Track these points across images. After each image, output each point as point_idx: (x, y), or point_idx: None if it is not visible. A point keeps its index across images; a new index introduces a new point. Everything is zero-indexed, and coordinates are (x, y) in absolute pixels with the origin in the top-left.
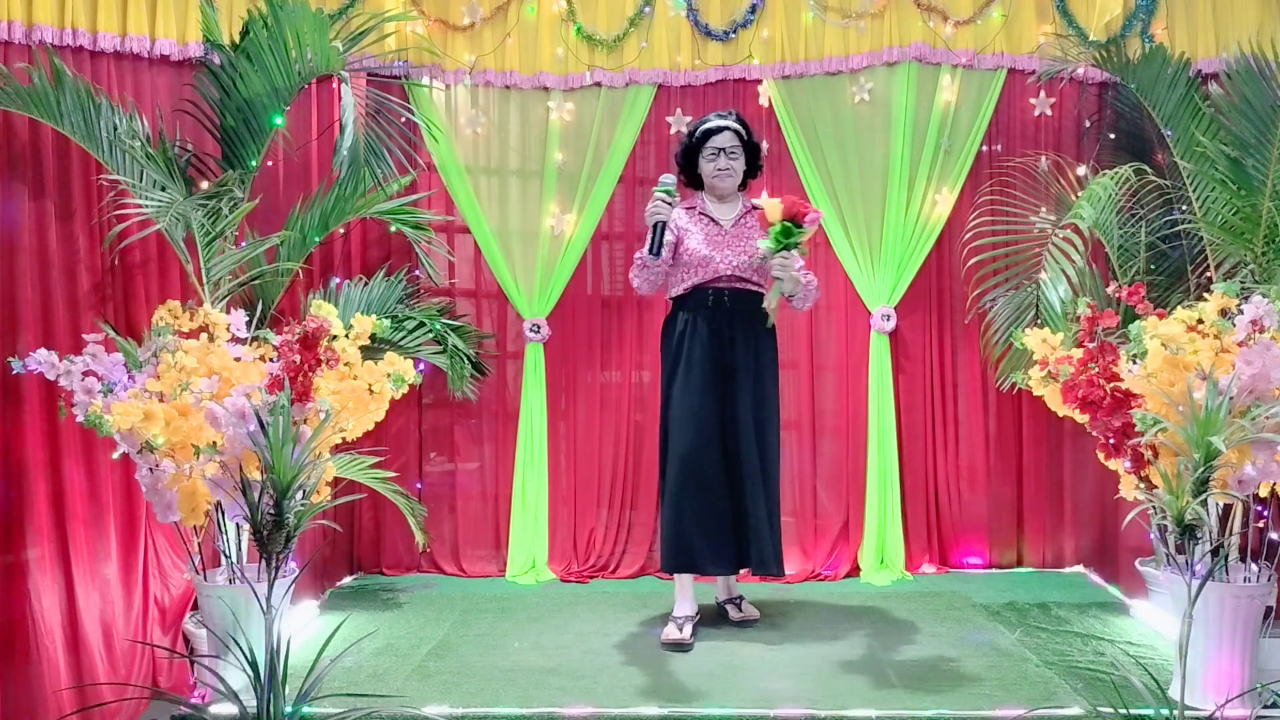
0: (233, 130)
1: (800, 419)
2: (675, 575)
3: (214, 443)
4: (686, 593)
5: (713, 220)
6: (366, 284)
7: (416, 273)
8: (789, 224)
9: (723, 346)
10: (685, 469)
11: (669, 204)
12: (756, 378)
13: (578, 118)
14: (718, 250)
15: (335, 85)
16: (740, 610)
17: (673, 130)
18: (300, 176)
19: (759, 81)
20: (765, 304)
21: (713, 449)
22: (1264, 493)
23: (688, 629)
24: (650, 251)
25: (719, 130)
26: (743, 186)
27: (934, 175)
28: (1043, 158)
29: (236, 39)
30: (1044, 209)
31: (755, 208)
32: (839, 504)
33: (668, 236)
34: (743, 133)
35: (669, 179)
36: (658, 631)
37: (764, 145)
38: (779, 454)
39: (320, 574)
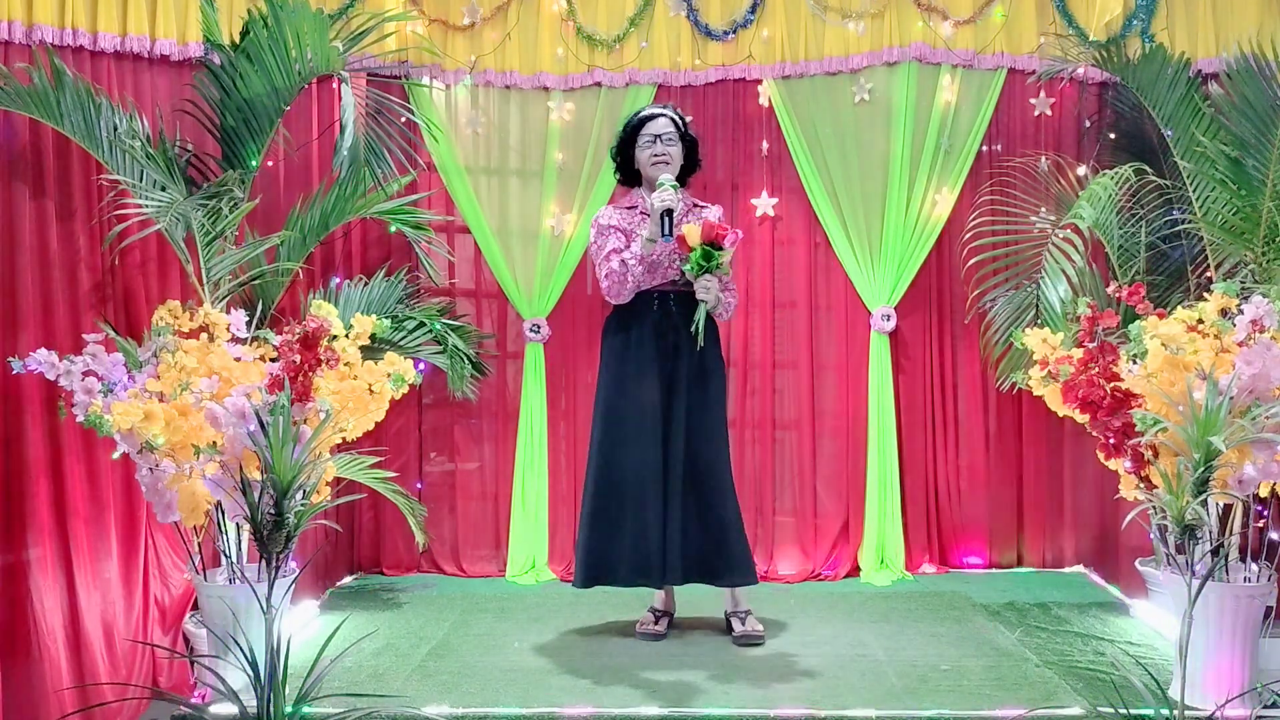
0: (233, 130)
1: (800, 419)
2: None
3: (214, 443)
4: (666, 589)
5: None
6: (366, 284)
7: (416, 273)
8: (708, 247)
9: (666, 353)
10: (615, 477)
11: (675, 195)
12: (702, 385)
13: (578, 118)
14: (664, 254)
15: (335, 85)
16: (744, 625)
17: None
18: (300, 176)
19: (759, 81)
20: (692, 328)
21: (650, 457)
22: (1264, 493)
23: (664, 623)
24: (664, 234)
25: (654, 117)
26: (684, 183)
27: (934, 175)
28: (1043, 158)
29: (236, 39)
30: (1044, 209)
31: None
32: (839, 504)
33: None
34: (679, 122)
35: (667, 177)
36: (645, 625)
37: (757, 147)
38: (729, 461)
39: (320, 574)
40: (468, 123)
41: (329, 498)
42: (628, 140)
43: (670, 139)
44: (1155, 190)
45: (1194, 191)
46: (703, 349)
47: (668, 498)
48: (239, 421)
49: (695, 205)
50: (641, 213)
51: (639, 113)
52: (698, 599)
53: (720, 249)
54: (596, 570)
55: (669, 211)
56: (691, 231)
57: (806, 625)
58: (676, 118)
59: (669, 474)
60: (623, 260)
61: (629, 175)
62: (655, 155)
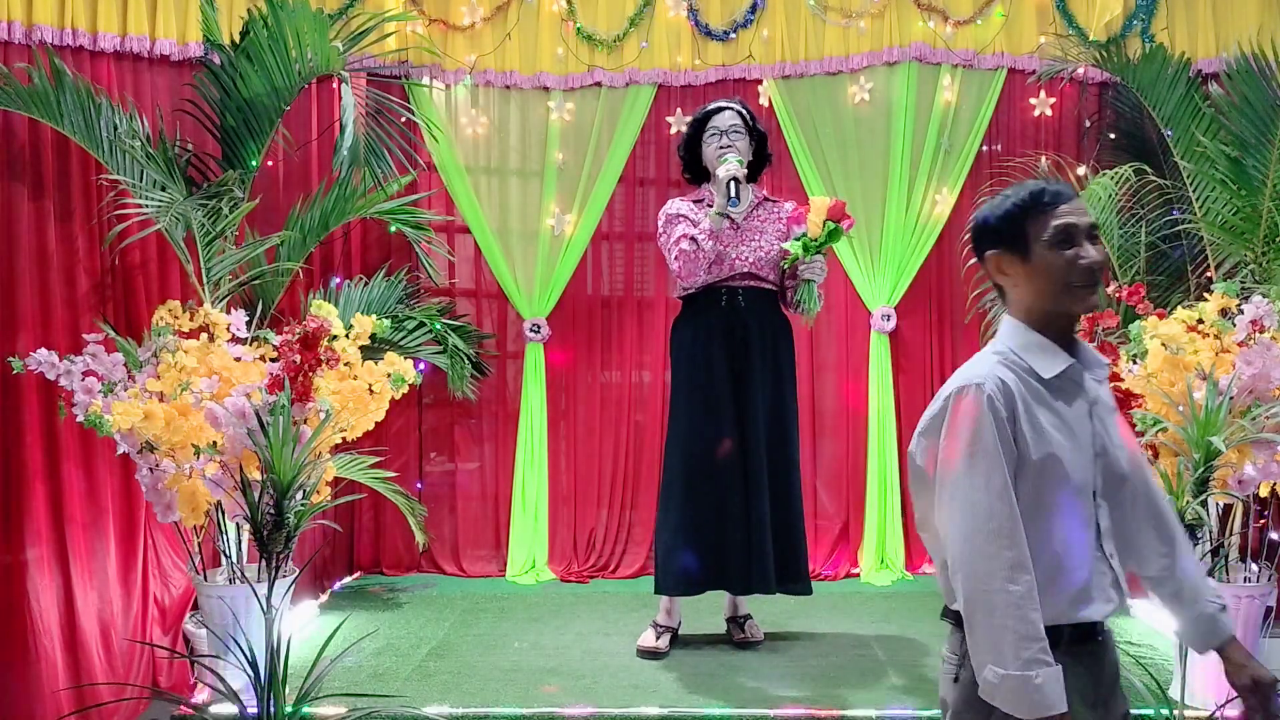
0: (233, 130)
1: (800, 419)
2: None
3: (214, 443)
4: (671, 604)
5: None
6: (366, 284)
7: (416, 273)
8: (835, 226)
9: (736, 350)
10: (693, 483)
11: (740, 167)
12: (775, 383)
13: (578, 118)
14: (731, 246)
15: (335, 85)
16: (743, 631)
17: (673, 130)
18: (300, 176)
19: (759, 81)
20: (805, 314)
21: (725, 462)
22: (1264, 493)
23: (665, 639)
24: (732, 198)
25: (720, 111)
26: (754, 178)
27: (934, 175)
28: (1043, 158)
29: (236, 39)
30: None
31: (773, 201)
32: (839, 504)
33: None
34: (746, 115)
35: (733, 154)
36: (646, 643)
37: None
38: (799, 465)
39: (320, 574)
40: (468, 123)
41: (329, 498)
42: (694, 136)
43: (737, 132)
44: (1155, 190)
45: (1194, 191)
46: (777, 347)
47: (749, 502)
48: (239, 421)
49: (767, 199)
50: (708, 204)
51: (705, 107)
52: (698, 602)
53: (840, 233)
54: (682, 579)
55: (735, 180)
56: (820, 205)
57: (806, 625)
58: (744, 111)
59: (748, 477)
60: (692, 238)
61: (696, 173)
62: (722, 146)
